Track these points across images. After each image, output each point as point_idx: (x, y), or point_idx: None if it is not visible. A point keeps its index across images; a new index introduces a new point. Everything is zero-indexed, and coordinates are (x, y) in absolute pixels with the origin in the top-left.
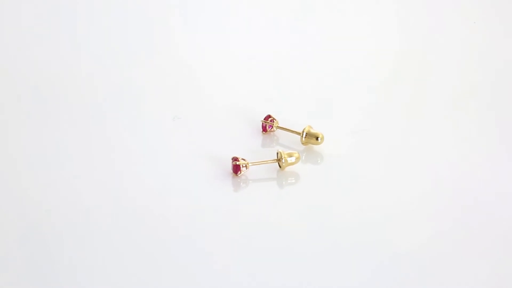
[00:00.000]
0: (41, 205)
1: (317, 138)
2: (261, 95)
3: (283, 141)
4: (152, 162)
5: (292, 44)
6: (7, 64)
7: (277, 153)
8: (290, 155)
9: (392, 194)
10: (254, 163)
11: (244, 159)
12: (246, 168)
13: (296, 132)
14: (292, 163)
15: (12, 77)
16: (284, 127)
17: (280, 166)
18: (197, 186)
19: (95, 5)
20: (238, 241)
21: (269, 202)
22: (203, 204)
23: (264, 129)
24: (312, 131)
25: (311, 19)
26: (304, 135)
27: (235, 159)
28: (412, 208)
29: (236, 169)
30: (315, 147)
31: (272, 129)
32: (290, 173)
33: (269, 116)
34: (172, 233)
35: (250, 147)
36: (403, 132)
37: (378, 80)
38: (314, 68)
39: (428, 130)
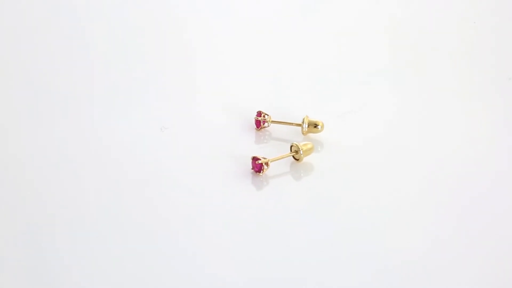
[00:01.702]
0: (39, 205)
1: (316, 126)
2: (246, 92)
3: (278, 135)
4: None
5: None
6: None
7: (292, 146)
8: (306, 146)
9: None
10: (273, 160)
11: (264, 157)
12: (267, 166)
13: (294, 123)
14: (308, 154)
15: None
16: (278, 120)
17: (297, 159)
18: (219, 188)
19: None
20: (277, 240)
21: (296, 197)
22: (232, 207)
23: (258, 125)
24: (311, 119)
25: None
26: (306, 125)
27: (256, 158)
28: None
29: (260, 168)
30: (312, 135)
31: (266, 125)
32: (304, 165)
33: (260, 112)
34: (205, 237)
35: (249, 145)
36: (403, 117)
37: (375, 69)
38: (299, 62)
39: (432, 117)
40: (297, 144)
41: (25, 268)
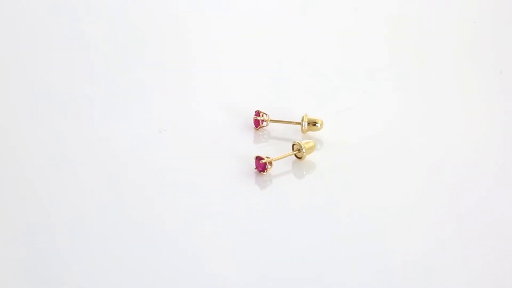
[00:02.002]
0: (39, 205)
1: (315, 124)
2: (245, 92)
3: (277, 134)
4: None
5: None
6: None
7: (294, 145)
8: (308, 144)
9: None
10: (276, 159)
11: (268, 157)
12: (271, 165)
13: (293, 122)
14: (310, 152)
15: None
16: (277, 119)
17: (300, 157)
18: (222, 188)
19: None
20: (287, 238)
21: (299, 196)
22: (236, 207)
23: (257, 124)
24: (310, 117)
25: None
26: (306, 124)
27: (259, 158)
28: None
29: (263, 167)
30: (311, 133)
31: (264, 124)
32: (306, 163)
33: (259, 111)
34: (208, 237)
35: (249, 145)
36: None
37: (374, 68)
38: (298, 61)
39: (432, 116)
40: (299, 142)
41: (25, 268)
